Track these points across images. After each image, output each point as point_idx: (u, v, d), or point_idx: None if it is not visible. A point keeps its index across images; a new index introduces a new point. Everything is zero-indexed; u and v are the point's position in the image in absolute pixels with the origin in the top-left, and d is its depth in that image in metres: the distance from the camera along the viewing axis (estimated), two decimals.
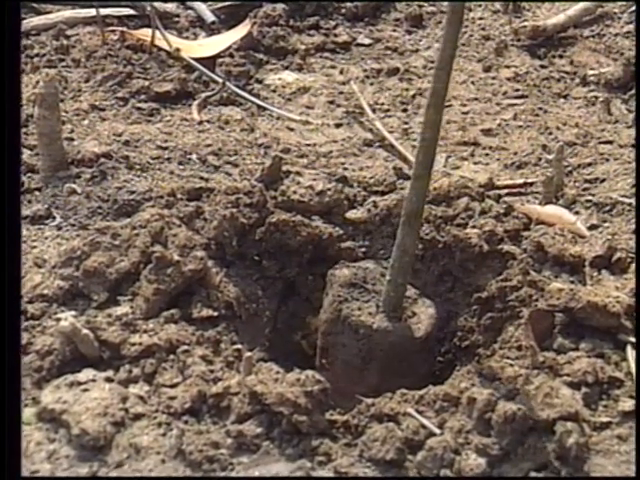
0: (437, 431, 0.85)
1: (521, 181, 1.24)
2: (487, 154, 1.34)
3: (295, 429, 0.85)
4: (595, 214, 1.16)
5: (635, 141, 1.09)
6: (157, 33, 1.50)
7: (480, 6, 1.67)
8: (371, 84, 1.48)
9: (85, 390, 0.88)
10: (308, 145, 1.34)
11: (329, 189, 1.14)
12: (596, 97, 1.41)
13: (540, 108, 1.42)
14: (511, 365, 0.91)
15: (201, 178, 1.23)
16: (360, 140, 1.37)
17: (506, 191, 1.23)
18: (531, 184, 1.23)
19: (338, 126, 1.40)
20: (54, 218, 1.13)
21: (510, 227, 1.11)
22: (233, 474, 0.82)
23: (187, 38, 1.58)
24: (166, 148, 1.30)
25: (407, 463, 0.83)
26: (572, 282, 1.04)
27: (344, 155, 1.34)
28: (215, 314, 0.98)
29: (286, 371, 0.89)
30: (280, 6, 1.62)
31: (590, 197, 1.19)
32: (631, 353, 0.92)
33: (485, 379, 0.91)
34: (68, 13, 1.58)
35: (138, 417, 0.87)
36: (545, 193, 1.18)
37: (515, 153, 1.33)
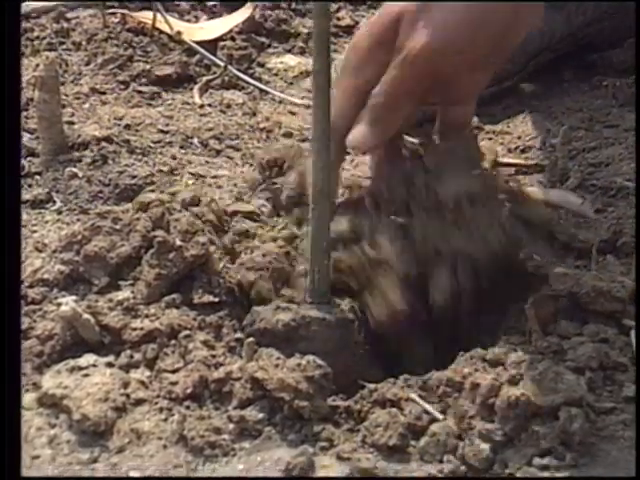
0: (440, 416, 0.85)
1: (533, 162, 1.24)
2: (490, 138, 1.34)
3: (297, 414, 0.85)
4: (600, 198, 1.16)
5: (635, 131, 1.09)
6: (158, 16, 1.49)
7: None
8: None
9: (86, 375, 0.88)
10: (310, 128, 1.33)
11: None
12: (601, 81, 1.41)
13: (544, 92, 1.42)
14: (515, 350, 0.91)
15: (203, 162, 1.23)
16: None
17: (512, 170, 1.23)
18: (541, 166, 1.23)
19: None
20: (54, 202, 1.12)
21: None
22: (235, 459, 0.82)
23: (188, 21, 1.57)
24: (167, 132, 1.30)
25: (410, 449, 0.83)
26: (577, 267, 1.03)
27: None
28: (217, 300, 0.97)
29: (287, 357, 0.89)
30: None
31: (595, 181, 1.19)
32: (635, 338, 0.92)
33: (489, 364, 0.91)
34: None
35: (139, 402, 0.87)
36: (550, 177, 1.18)
37: (519, 137, 1.32)
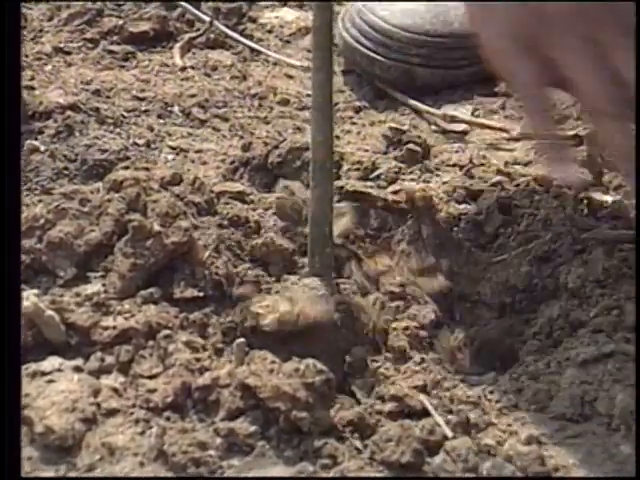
0: (450, 434, 0.86)
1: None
2: (520, 106, 1.34)
3: (294, 427, 0.86)
4: None
5: (636, 138, 1.11)
6: None
7: None
8: None
9: (50, 381, 0.88)
10: (310, 96, 1.34)
11: None
12: None
13: None
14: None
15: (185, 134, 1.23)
16: (372, 89, 1.37)
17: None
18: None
19: (346, 73, 1.40)
20: None
21: None
22: None
23: None
24: (143, 99, 1.30)
25: (425, 467, 0.84)
26: None
27: (352, 107, 1.34)
28: (201, 294, 0.98)
29: (282, 360, 0.89)
30: None
31: None
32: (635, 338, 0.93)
33: None
34: None
35: (112, 413, 0.87)
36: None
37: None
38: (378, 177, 1.16)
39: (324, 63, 0.92)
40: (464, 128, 1.30)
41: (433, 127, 1.31)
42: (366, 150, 1.23)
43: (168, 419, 0.87)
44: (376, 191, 1.12)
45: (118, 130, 1.22)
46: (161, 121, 1.27)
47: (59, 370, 0.89)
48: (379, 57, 1.35)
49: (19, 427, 0.83)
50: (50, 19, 1.44)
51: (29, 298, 0.92)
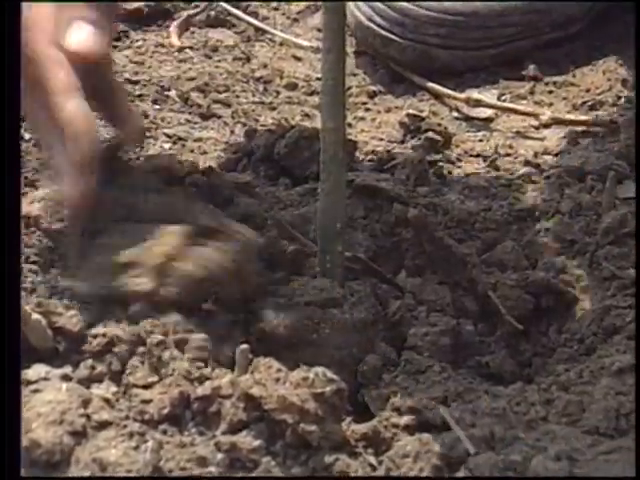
0: (472, 450, 0.86)
1: (605, 120, 1.25)
2: (551, 91, 1.34)
3: (303, 442, 0.86)
4: None
5: (635, 136, 1.11)
6: None
7: None
8: None
9: (36, 391, 0.88)
10: (320, 79, 1.34)
11: None
12: None
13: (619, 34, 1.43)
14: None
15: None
16: (388, 72, 1.37)
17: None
18: (615, 125, 1.23)
19: (359, 54, 1.40)
20: None
21: None
22: None
23: None
24: (137, 82, 1.31)
25: None
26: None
27: (366, 92, 1.35)
28: None
29: (289, 368, 0.90)
30: None
31: None
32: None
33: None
34: None
35: (103, 425, 0.87)
36: (625, 139, 1.19)
37: (587, 90, 1.33)
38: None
39: (335, 43, 0.92)
40: (489, 114, 1.31)
41: (455, 114, 1.32)
42: (381, 139, 1.23)
43: (164, 432, 0.87)
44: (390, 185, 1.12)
45: None
46: (157, 107, 1.27)
47: (46, 379, 0.90)
48: (394, 37, 1.35)
49: (19, 428, 0.84)
50: None
51: None
